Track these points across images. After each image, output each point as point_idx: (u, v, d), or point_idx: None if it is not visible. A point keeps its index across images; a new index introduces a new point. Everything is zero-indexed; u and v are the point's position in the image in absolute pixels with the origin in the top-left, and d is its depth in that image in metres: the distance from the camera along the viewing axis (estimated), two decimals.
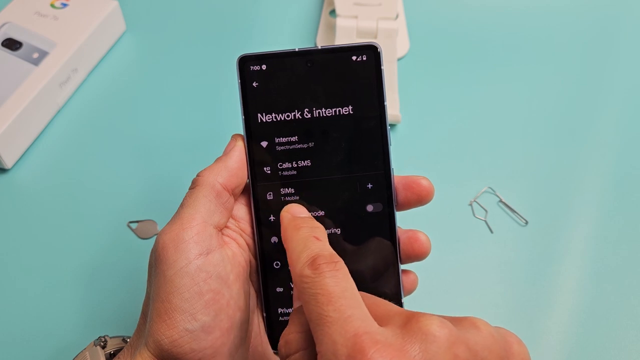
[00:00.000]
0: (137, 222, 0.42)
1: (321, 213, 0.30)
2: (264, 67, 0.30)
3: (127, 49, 0.53)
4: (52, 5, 0.51)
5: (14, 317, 0.38)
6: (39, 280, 0.40)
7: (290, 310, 0.30)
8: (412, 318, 0.21)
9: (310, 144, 0.30)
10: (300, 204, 0.30)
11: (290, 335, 0.24)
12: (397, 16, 0.50)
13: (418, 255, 0.31)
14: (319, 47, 0.30)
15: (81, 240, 0.41)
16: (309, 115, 0.30)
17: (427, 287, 0.36)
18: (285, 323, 0.30)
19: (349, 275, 0.23)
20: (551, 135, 0.48)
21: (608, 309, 0.39)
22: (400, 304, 0.30)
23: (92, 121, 0.48)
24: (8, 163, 0.44)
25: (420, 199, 0.30)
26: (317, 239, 0.25)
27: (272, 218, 0.30)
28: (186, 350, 0.26)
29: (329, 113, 0.30)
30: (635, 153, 0.47)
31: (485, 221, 0.43)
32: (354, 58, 0.30)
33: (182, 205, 0.29)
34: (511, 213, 0.43)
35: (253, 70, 0.30)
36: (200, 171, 0.29)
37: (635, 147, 0.47)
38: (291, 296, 0.31)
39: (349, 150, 0.30)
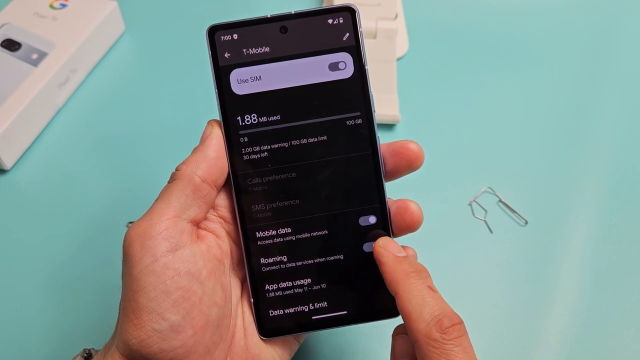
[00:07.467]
0: None
1: (309, 192, 0.29)
2: (235, 36, 0.29)
3: (126, 49, 0.53)
4: (51, 6, 0.51)
5: (12, 316, 0.38)
6: (39, 280, 0.40)
7: (275, 285, 0.30)
8: None
9: (291, 114, 0.29)
10: (285, 182, 0.29)
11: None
12: (396, 16, 0.50)
13: (410, 226, 0.29)
14: (292, 12, 0.29)
15: (80, 241, 0.41)
16: (287, 85, 0.29)
17: None
18: (272, 301, 0.30)
19: (469, 338, 0.24)
20: (551, 135, 0.48)
21: (608, 308, 0.39)
22: None
23: (91, 122, 0.48)
24: (7, 164, 0.44)
25: (410, 164, 0.29)
26: (432, 289, 0.26)
27: (254, 203, 0.29)
28: (155, 351, 0.25)
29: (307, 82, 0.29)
30: (634, 153, 0.47)
31: (484, 221, 0.43)
32: (330, 21, 0.29)
33: (155, 200, 0.28)
34: (511, 213, 0.43)
35: (224, 40, 0.29)
36: (179, 164, 0.28)
37: (634, 147, 0.47)
38: (277, 271, 0.29)
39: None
